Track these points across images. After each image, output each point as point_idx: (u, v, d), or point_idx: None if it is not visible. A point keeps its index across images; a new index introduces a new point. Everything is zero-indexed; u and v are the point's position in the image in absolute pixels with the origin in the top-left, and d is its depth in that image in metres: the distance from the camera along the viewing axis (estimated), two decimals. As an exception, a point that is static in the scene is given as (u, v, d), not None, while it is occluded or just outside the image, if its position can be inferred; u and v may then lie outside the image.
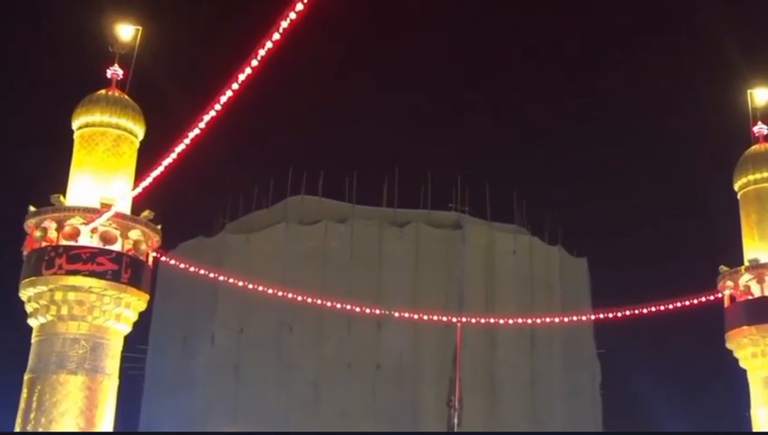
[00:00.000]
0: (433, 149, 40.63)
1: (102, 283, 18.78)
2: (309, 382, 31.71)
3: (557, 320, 26.54)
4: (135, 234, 19.59)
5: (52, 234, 19.13)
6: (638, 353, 34.30)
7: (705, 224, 34.70)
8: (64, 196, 19.69)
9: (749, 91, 24.27)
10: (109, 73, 20.79)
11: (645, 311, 24.01)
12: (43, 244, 19.12)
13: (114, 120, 20.19)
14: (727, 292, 23.55)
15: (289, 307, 27.78)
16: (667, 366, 35.27)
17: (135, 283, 19.34)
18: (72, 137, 20.52)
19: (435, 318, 25.03)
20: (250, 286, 23.02)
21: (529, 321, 26.22)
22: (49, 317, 18.80)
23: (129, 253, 19.37)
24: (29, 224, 19.48)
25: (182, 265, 22.00)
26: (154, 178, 17.23)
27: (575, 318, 27.54)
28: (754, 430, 22.68)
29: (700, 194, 35.56)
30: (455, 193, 35.64)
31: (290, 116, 40.70)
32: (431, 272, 33.43)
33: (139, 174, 19.20)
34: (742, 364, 23.35)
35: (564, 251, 36.54)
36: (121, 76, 20.84)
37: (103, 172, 19.90)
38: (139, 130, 20.68)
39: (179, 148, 16.14)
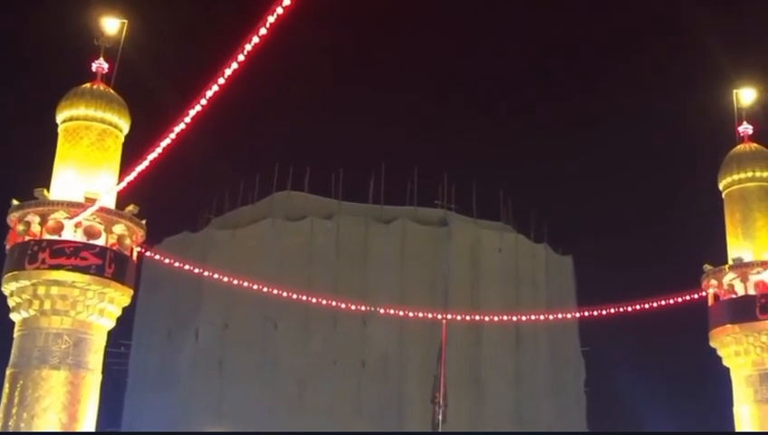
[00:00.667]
0: (419, 147, 40.68)
1: (86, 277, 18.65)
2: (294, 379, 31.66)
3: (542, 317, 26.65)
4: (119, 229, 19.45)
5: (36, 228, 18.97)
6: (623, 351, 34.49)
7: (689, 223, 34.92)
8: (48, 190, 19.53)
9: (734, 91, 24.37)
10: (94, 67, 20.62)
11: (629, 309, 24.11)
12: (27, 238, 18.95)
13: (99, 113, 20.02)
14: (711, 290, 23.65)
15: (274, 303, 27.69)
16: (651, 364, 35.46)
17: (119, 278, 19.21)
18: (57, 130, 20.37)
19: (420, 315, 25.00)
20: (235, 282, 22.94)
21: (514, 318, 26.32)
22: (31, 312, 18.65)
23: (114, 248, 19.23)
24: (12, 218, 19.31)
25: (167, 261, 21.89)
26: (139, 173, 17.10)
27: (560, 316, 27.63)
28: (737, 428, 22.82)
29: (685, 193, 35.77)
30: (441, 190, 35.72)
31: (276, 111, 40.63)
32: (417, 269, 33.46)
33: (124, 168, 19.05)
34: (725, 363, 23.48)
35: (550, 249, 36.66)
36: (106, 70, 20.66)
37: (88, 166, 19.75)
38: (124, 125, 20.52)
39: (165, 142, 16.03)
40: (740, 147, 24.34)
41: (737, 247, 23.78)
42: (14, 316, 19.06)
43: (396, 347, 32.16)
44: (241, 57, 13.43)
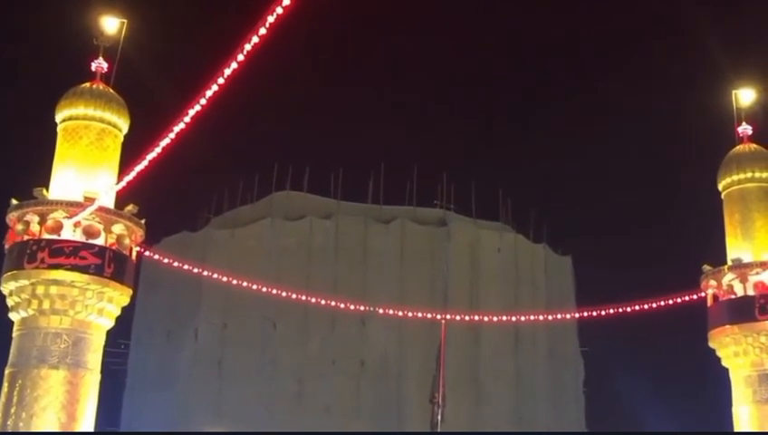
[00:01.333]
0: (419, 147, 40.69)
1: (85, 277, 18.63)
2: (293, 379, 31.66)
3: (541, 317, 26.63)
4: (118, 228, 19.44)
5: (35, 227, 18.95)
6: (622, 352, 34.51)
7: (688, 223, 34.93)
8: (47, 189, 19.51)
9: (733, 91, 24.37)
10: (93, 66, 20.59)
11: (628, 309, 24.10)
12: (26, 237, 18.93)
13: (98, 113, 20.00)
14: (710, 291, 23.64)
15: (273, 303, 27.70)
16: (650, 365, 35.49)
17: (118, 277, 19.19)
18: (56, 130, 20.35)
19: (419, 315, 24.98)
20: (234, 282, 22.93)
21: (513, 318, 26.30)
22: (30, 311, 18.63)
23: (113, 247, 19.22)
24: (11, 217, 19.29)
25: (166, 260, 21.87)
26: (138, 173, 17.10)
27: (559, 316, 27.61)
28: (736, 428, 22.82)
29: (684, 194, 35.78)
30: (440, 190, 35.73)
31: (276, 111, 40.62)
32: (416, 269, 33.46)
33: (123, 168, 19.05)
34: (724, 363, 23.47)
35: (549, 249, 36.66)
36: (106, 69, 20.63)
37: (87, 166, 19.73)
38: (124, 124, 20.50)
39: (164, 142, 16.03)
40: (739, 147, 24.34)
41: (736, 248, 23.77)
42: (12, 316, 19.04)
43: (395, 347, 32.17)
44: (240, 57, 13.43)
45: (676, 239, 37.32)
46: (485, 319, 26.15)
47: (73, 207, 18.92)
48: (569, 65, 46.25)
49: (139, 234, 20.08)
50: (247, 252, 31.90)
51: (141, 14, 21.51)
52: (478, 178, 36.11)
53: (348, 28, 40.60)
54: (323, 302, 24.13)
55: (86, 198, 19.01)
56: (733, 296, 23.12)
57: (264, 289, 23.23)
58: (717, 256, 24.13)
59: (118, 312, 19.70)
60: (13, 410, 18.07)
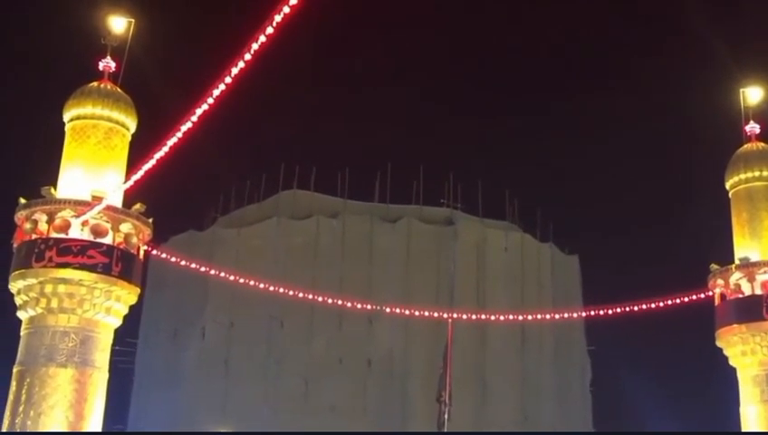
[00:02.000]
0: (425, 146, 40.67)
1: (93, 276, 18.69)
2: (299, 378, 31.68)
3: (548, 317, 26.58)
4: (126, 227, 19.50)
5: (43, 226, 19.02)
6: (629, 351, 34.45)
7: (696, 222, 34.82)
8: (55, 188, 19.58)
9: (741, 90, 24.31)
10: (101, 66, 20.64)
11: (635, 308, 24.06)
12: (34, 236, 19.00)
13: (106, 112, 20.06)
14: (718, 290, 23.60)
15: (280, 302, 27.74)
16: (657, 364, 35.41)
17: (126, 276, 19.24)
18: (64, 129, 20.42)
19: (426, 314, 24.97)
20: (241, 281, 22.96)
21: (520, 317, 26.28)
22: (38, 310, 18.70)
23: (120, 246, 19.28)
24: (19, 216, 19.36)
25: (173, 259, 21.91)
26: (146, 172, 17.14)
27: (566, 315, 27.56)
28: (743, 428, 22.77)
29: (692, 193, 35.70)
30: (447, 189, 35.71)
31: (283, 111, 40.66)
32: (422, 268, 33.45)
33: (131, 167, 19.12)
34: (731, 362, 23.42)
35: (556, 248, 36.61)
36: (113, 69, 20.70)
37: (94, 165, 19.79)
38: (131, 123, 20.56)
39: (171, 141, 16.06)
40: (747, 146, 24.28)
41: (744, 247, 23.71)
42: (21, 314, 19.11)
43: (401, 346, 32.16)
44: (248, 56, 13.45)
45: (684, 238, 37.26)
46: (492, 318, 26.13)
47: (81, 206, 18.98)
48: (575, 65, 46.23)
49: (147, 233, 20.13)
50: (254, 251, 31.95)
51: (148, 14, 21.59)
52: (485, 178, 36.13)
53: (354, 28, 40.65)
54: (330, 301, 24.14)
55: (94, 197, 19.07)
56: (740, 295, 23.07)
57: (271, 288, 23.26)
58: (725, 255, 24.09)
59: (125, 310, 19.76)
60: (21, 409, 18.14)
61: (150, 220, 20.13)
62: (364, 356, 32.22)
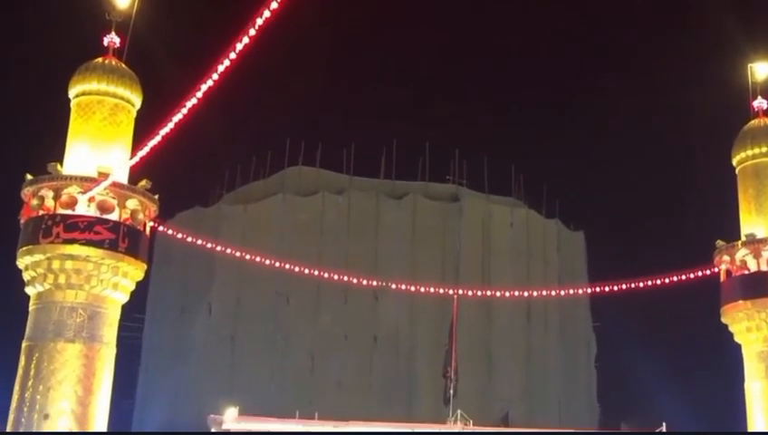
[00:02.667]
0: (431, 122, 40.51)
1: (100, 252, 18.77)
2: (305, 353, 31.84)
3: (553, 293, 26.59)
4: (132, 203, 19.56)
5: (50, 202, 19.08)
6: (634, 327, 34.45)
7: (702, 199, 34.70)
8: (61, 164, 19.62)
9: (749, 65, 24.15)
10: (105, 41, 20.58)
11: (641, 285, 24.06)
12: (40, 212, 19.09)
13: (111, 88, 20.04)
14: (723, 266, 23.60)
15: (286, 278, 27.82)
16: (662, 341, 35.40)
17: (132, 252, 19.33)
18: (69, 105, 20.40)
19: (431, 290, 25.02)
20: (247, 257, 23.00)
21: (525, 293, 26.28)
22: (46, 286, 18.81)
23: (127, 222, 19.34)
24: (26, 192, 19.42)
25: (179, 236, 21.96)
26: (151, 148, 17.14)
27: (571, 291, 27.55)
28: (748, 404, 22.84)
29: (698, 169, 35.54)
30: (452, 166, 35.64)
31: (288, 87, 40.49)
32: (428, 244, 33.48)
33: (137, 143, 19.12)
34: (737, 339, 23.45)
35: (561, 224, 36.58)
36: (118, 44, 20.62)
37: (100, 141, 19.80)
38: (136, 99, 20.54)
39: (176, 117, 16.05)
40: (754, 122, 24.14)
41: (750, 223, 23.66)
42: (29, 290, 19.23)
43: (407, 322, 32.27)
44: (252, 32, 13.40)
45: (690, 215, 37.15)
46: (497, 294, 26.15)
47: (87, 182, 19.02)
48: (582, 41, 45.87)
49: (153, 209, 20.18)
50: (260, 227, 31.99)
51: (153, -11, 21.42)
52: (490, 154, 36.04)
53: (363, 4, 40.35)
54: (336, 277, 24.18)
55: (100, 174, 19.11)
56: (746, 272, 23.07)
57: (277, 264, 23.32)
58: (731, 231, 24.06)
59: (132, 286, 19.86)
60: (30, 383, 18.31)
61: (156, 197, 20.18)
62: (370, 332, 32.34)
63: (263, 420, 19.36)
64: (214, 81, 14.70)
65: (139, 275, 19.88)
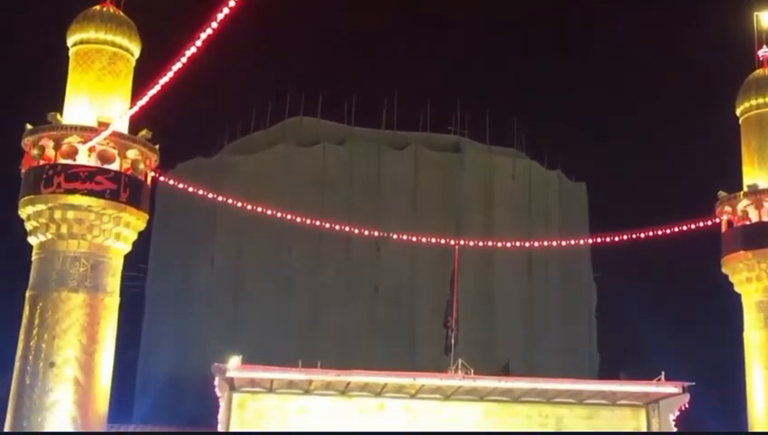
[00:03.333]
0: (433, 72, 40.17)
1: (101, 202, 18.84)
2: (308, 304, 32.00)
3: (554, 244, 26.64)
4: (133, 153, 19.56)
5: (50, 152, 19.09)
6: (635, 278, 34.61)
7: (705, 150, 34.56)
8: (61, 115, 19.56)
9: (755, 13, 23.88)
10: (103, -12, 20.37)
11: (642, 236, 24.12)
12: (41, 162, 19.10)
13: (109, 37, 19.88)
14: (725, 217, 23.64)
15: (288, 229, 27.83)
16: (662, 291, 35.56)
17: (134, 202, 19.39)
18: (68, 54, 20.24)
19: (433, 241, 25.07)
20: (249, 208, 23.01)
21: (527, 244, 26.34)
22: (48, 235, 18.90)
23: (128, 172, 19.36)
24: (26, 142, 19.42)
25: (180, 186, 21.95)
26: (151, 98, 17.04)
27: (572, 242, 27.61)
28: (747, 354, 23.06)
29: (702, 120, 35.32)
30: (454, 117, 35.41)
31: (289, 36, 40.09)
32: (430, 195, 33.43)
33: (136, 94, 19.02)
34: (736, 289, 23.59)
35: (563, 175, 36.48)
36: (116, -9, 20.42)
37: (100, 91, 19.72)
38: (135, 48, 20.37)
39: (176, 66, 15.93)
40: (759, 71, 23.96)
41: (752, 175, 23.63)
42: (31, 240, 19.33)
43: (408, 273, 32.37)
44: (252, -22, 13.23)
45: (692, 166, 37.00)
46: (499, 245, 26.22)
47: (87, 132, 19.00)
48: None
49: (154, 159, 20.18)
50: (261, 178, 31.90)
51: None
52: (492, 105, 35.78)
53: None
54: (338, 227, 24.22)
55: (100, 123, 19.07)
56: (747, 222, 23.12)
57: (279, 215, 23.35)
58: (733, 183, 24.03)
59: (134, 236, 19.94)
60: (35, 332, 18.51)
61: (157, 147, 20.15)
62: (372, 282, 32.46)
63: (265, 369, 19.55)
64: (213, 29, 14.55)
65: (141, 226, 19.95)
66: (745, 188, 23.46)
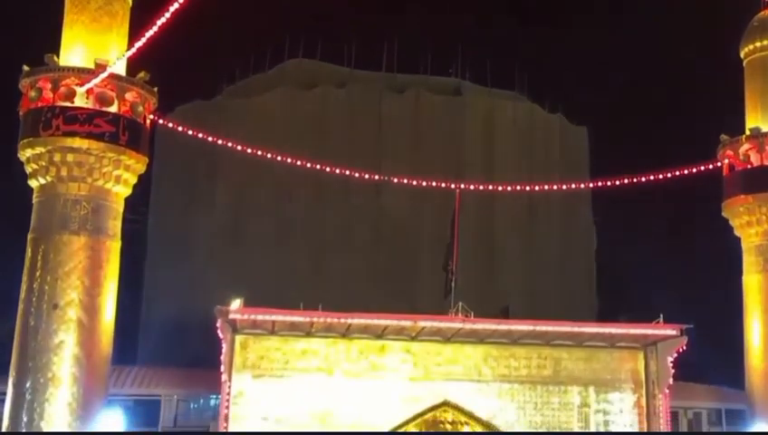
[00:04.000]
0: (434, 14, 39.54)
1: (101, 145, 18.78)
2: (308, 248, 32.05)
3: (555, 188, 26.57)
4: (131, 95, 19.42)
5: (48, 94, 18.94)
6: (634, 222, 34.63)
7: (708, 94, 34.25)
8: (58, 56, 19.36)
9: (762, -48, 23.50)
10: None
11: (643, 180, 24.06)
12: (39, 104, 18.97)
13: (104, -24, 19.57)
14: (726, 161, 23.57)
15: (288, 173, 27.71)
16: (662, 235, 35.61)
17: (133, 145, 19.32)
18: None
19: (433, 184, 24.99)
20: (249, 151, 22.88)
21: (527, 188, 26.29)
22: (48, 178, 18.89)
23: (126, 115, 19.24)
24: (24, 83, 19.28)
25: (180, 129, 21.79)
26: (149, 39, 16.85)
27: (573, 186, 27.52)
28: (745, 297, 23.22)
29: (705, 63, 34.93)
30: (455, 60, 35.03)
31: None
32: (430, 138, 33.22)
33: (134, 37, 18.76)
34: (736, 232, 23.66)
35: (564, 119, 36.24)
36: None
37: (96, 32, 19.48)
38: (131, -11, 20.07)
39: (173, 6, 15.71)
40: (765, 13, 23.66)
41: (755, 118, 23.51)
42: (32, 182, 19.32)
43: (409, 216, 32.33)
44: None
45: (695, 110, 36.70)
46: (499, 189, 26.14)
47: (85, 73, 18.84)
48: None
49: (152, 102, 20.04)
50: (261, 121, 31.66)
51: None
52: (494, 47, 35.32)
53: None
54: (338, 171, 24.10)
55: (97, 65, 18.89)
56: (749, 166, 23.07)
57: (279, 159, 23.23)
58: (736, 127, 23.89)
59: (134, 180, 19.91)
60: (38, 274, 18.61)
61: (155, 89, 19.99)
62: (372, 226, 32.46)
63: (267, 312, 19.68)
64: (211, -32, 14.30)
65: (141, 169, 19.90)
66: (748, 132, 23.35)
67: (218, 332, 19.91)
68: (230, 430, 19.53)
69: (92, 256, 18.77)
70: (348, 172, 24.25)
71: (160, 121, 20.80)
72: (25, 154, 18.97)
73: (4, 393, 18.71)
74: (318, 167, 24.05)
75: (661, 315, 21.14)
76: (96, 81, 18.61)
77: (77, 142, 18.62)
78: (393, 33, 34.16)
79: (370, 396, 20.48)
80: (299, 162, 23.59)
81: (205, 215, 32.88)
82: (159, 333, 30.91)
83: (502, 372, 21.28)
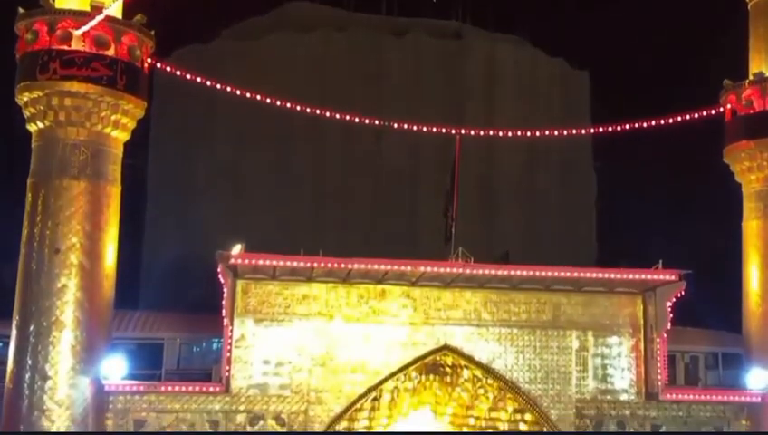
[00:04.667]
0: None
1: (98, 89, 18.64)
2: (308, 195, 32.05)
3: (556, 133, 26.41)
4: (128, 39, 19.19)
5: (45, 37, 18.72)
6: (635, 168, 34.56)
7: (712, 38, 33.88)
8: (54, -1, 19.09)
9: None
10: None
11: (644, 125, 23.93)
12: (36, 47, 18.76)
13: None
14: (729, 106, 23.40)
15: (288, 118, 27.54)
16: (663, 181, 35.56)
17: (131, 90, 19.18)
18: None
19: (433, 130, 24.84)
20: (248, 96, 22.68)
21: (528, 134, 26.15)
22: (47, 123, 18.79)
23: (124, 59, 19.05)
24: (19, 26, 19.06)
25: (178, 73, 21.56)
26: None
27: (574, 132, 27.36)
28: (745, 243, 23.27)
29: (709, 7, 34.45)
30: (456, 3, 34.59)
31: None
32: (431, 83, 32.95)
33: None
34: (737, 178, 23.61)
35: (566, 63, 35.91)
36: None
37: (92, -28, 19.15)
38: (127, -72, 19.68)
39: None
40: (771, -45, 23.24)
41: (759, 63, 23.26)
42: (30, 127, 19.22)
43: (410, 162, 32.27)
44: None
45: (698, 55, 36.31)
46: (500, 134, 25.99)
47: (81, 16, 18.59)
48: None
49: (150, 45, 19.82)
50: (260, 65, 31.35)
51: None
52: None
53: None
54: (338, 116, 23.95)
55: (93, 8, 18.64)
56: (751, 111, 22.91)
57: (279, 103, 23.05)
58: (740, 73, 23.65)
59: (133, 124, 19.81)
60: (38, 219, 18.64)
61: (152, 33, 19.76)
62: (373, 172, 32.39)
63: (268, 257, 19.75)
64: None
65: (140, 113, 19.78)
66: (751, 77, 23.14)
67: (219, 276, 20.00)
68: (232, 372, 19.75)
69: (92, 200, 18.77)
70: (347, 117, 24.07)
71: (158, 65, 20.59)
72: (23, 98, 18.84)
73: (8, 337, 18.88)
74: (318, 112, 23.88)
75: (660, 261, 21.23)
76: (92, 23, 18.38)
77: (75, 86, 18.47)
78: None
79: (371, 340, 20.67)
80: (299, 107, 23.40)
81: (204, 159, 32.80)
82: (161, 278, 31.10)
83: (501, 316, 21.43)
